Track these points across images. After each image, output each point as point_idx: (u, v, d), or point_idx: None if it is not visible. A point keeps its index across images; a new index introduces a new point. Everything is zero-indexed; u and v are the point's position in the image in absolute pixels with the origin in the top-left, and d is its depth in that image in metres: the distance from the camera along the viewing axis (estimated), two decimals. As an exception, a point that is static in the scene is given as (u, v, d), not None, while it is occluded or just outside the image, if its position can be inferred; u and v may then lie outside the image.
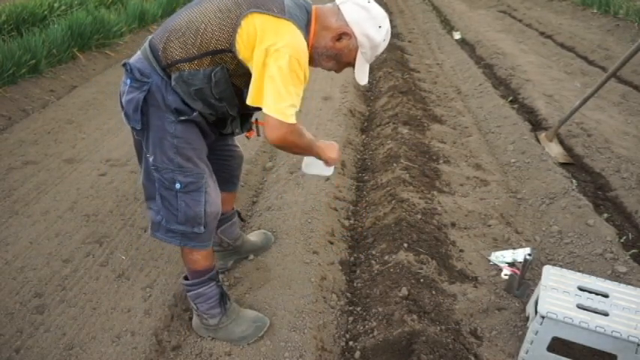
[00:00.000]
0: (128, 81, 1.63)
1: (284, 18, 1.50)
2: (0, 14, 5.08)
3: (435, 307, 2.05)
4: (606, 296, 1.83)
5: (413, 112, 4.08)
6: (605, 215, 2.83)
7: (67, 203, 2.82)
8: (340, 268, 2.40)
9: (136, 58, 1.66)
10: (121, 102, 1.68)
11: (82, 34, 5.30)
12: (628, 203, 2.94)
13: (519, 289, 2.17)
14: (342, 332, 2.05)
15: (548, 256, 2.49)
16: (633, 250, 2.53)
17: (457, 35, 7.26)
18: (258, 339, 1.92)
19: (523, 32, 7.29)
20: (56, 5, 5.86)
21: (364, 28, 1.60)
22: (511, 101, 4.57)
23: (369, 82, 5.37)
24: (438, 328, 1.94)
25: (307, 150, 1.74)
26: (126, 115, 1.65)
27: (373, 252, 2.46)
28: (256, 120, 1.89)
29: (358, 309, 2.16)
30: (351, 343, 2.00)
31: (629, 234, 2.71)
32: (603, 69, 5.40)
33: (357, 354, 1.91)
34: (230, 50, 1.54)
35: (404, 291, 2.08)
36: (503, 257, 2.44)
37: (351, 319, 2.12)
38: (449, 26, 8.08)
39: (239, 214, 2.32)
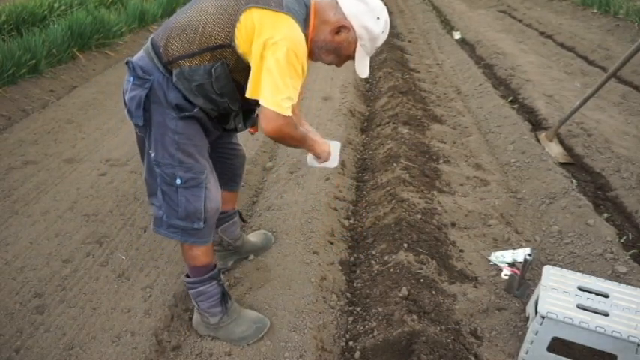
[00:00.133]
0: (131, 78, 1.67)
1: (282, 12, 1.52)
2: (0, 14, 5.08)
3: (435, 307, 2.05)
4: (606, 296, 1.83)
5: (413, 112, 4.08)
6: (605, 215, 2.83)
7: (67, 203, 2.82)
8: (340, 268, 2.40)
9: (138, 56, 1.70)
10: (124, 99, 1.71)
11: (82, 34, 5.30)
12: (628, 203, 2.94)
13: (519, 289, 2.17)
14: (342, 332, 2.05)
15: (548, 256, 2.49)
16: (633, 250, 2.53)
17: (457, 35, 7.26)
18: (257, 339, 1.92)
19: (523, 32, 7.29)
20: (56, 5, 5.85)
21: (362, 21, 1.61)
22: (511, 101, 4.57)
23: (369, 82, 5.37)
24: (438, 328, 1.94)
25: (301, 143, 1.76)
26: (129, 111, 1.69)
27: (373, 252, 2.46)
28: (258, 115, 1.90)
29: (358, 309, 2.16)
30: (351, 343, 2.00)
31: (629, 234, 2.71)
32: (603, 69, 5.40)
33: (357, 354, 1.91)
34: (229, 45, 1.56)
35: (404, 291, 2.08)
36: (503, 257, 2.44)
37: (351, 319, 2.12)
38: (449, 26, 8.08)
39: (240, 215, 2.32)
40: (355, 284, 2.33)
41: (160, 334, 1.95)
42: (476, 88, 4.95)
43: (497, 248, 2.53)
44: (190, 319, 2.07)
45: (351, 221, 2.84)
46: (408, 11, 9.41)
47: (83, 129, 3.83)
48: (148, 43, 1.69)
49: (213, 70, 1.60)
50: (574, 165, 3.46)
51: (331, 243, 2.52)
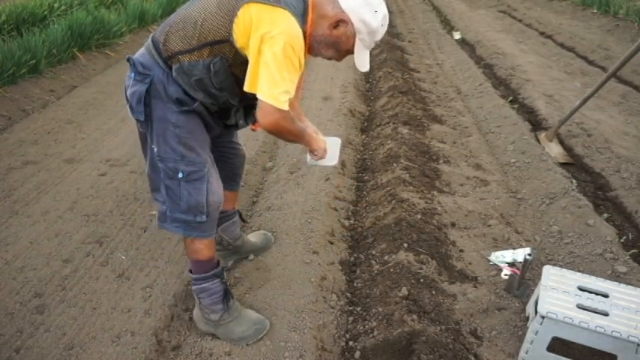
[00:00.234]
0: (132, 74, 1.70)
1: (279, 6, 1.53)
2: (0, 14, 5.08)
3: (435, 307, 2.05)
4: (606, 296, 1.83)
5: (413, 112, 4.08)
6: (605, 215, 2.83)
7: (67, 203, 2.82)
8: (340, 268, 2.40)
9: (139, 53, 1.73)
10: (126, 95, 1.75)
11: (82, 34, 5.30)
12: (628, 203, 2.94)
13: (519, 289, 2.17)
14: (342, 332, 2.05)
15: (548, 256, 2.49)
16: (633, 250, 2.53)
17: (457, 35, 7.26)
18: (256, 340, 1.92)
19: (523, 32, 7.29)
20: (56, 5, 5.85)
21: (360, 14, 1.62)
22: (511, 101, 4.57)
23: (369, 82, 5.37)
24: (438, 328, 1.94)
25: (298, 137, 1.77)
26: (130, 107, 1.72)
27: (373, 252, 2.46)
28: None
29: (358, 309, 2.16)
30: (351, 343, 2.00)
31: (629, 234, 2.71)
32: (603, 69, 5.40)
33: (357, 354, 1.91)
34: (228, 40, 1.58)
35: (404, 291, 2.08)
36: (503, 257, 2.44)
37: (351, 319, 2.12)
38: (449, 26, 8.08)
39: (240, 215, 2.33)
40: (355, 284, 2.33)
41: (160, 334, 1.95)
42: (476, 88, 4.95)
43: (497, 248, 2.53)
44: (190, 319, 2.06)
45: (351, 221, 2.84)
46: (408, 11, 9.41)
47: (83, 129, 3.83)
48: (149, 39, 1.72)
49: (212, 65, 1.62)
50: (574, 165, 3.46)
51: (331, 243, 2.52)
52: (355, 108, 4.42)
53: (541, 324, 1.75)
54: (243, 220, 2.43)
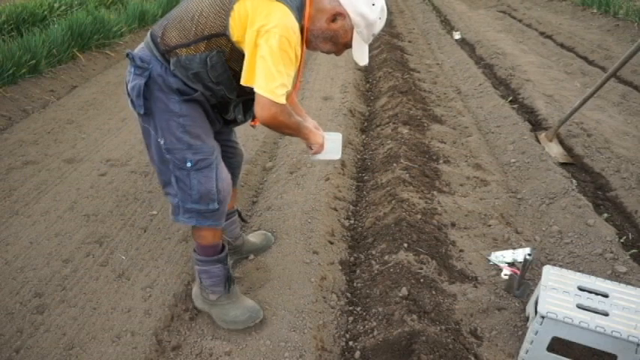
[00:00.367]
0: (132, 69, 1.72)
1: (275, 0, 1.54)
2: (0, 14, 5.09)
3: (435, 307, 2.05)
4: (606, 296, 1.83)
5: (413, 112, 4.09)
6: (605, 215, 2.83)
7: (67, 203, 2.82)
8: (340, 268, 2.40)
9: (138, 48, 1.76)
10: (127, 90, 1.77)
11: (82, 34, 5.31)
12: (628, 203, 2.94)
13: (519, 289, 2.17)
14: (342, 332, 2.05)
15: (548, 256, 2.49)
16: (633, 250, 2.53)
17: (457, 35, 7.26)
18: (257, 339, 1.92)
19: (523, 32, 7.29)
20: (56, 5, 5.86)
21: (358, 7, 1.62)
22: (511, 101, 4.57)
23: (369, 82, 5.37)
24: (438, 328, 1.94)
25: (296, 131, 1.78)
26: (131, 101, 1.74)
27: (373, 252, 2.46)
28: None
29: (358, 309, 2.16)
30: (351, 343, 2.00)
31: (629, 234, 2.71)
32: (603, 69, 5.41)
33: (357, 354, 1.90)
34: (224, 34, 1.60)
35: (404, 291, 2.08)
36: (503, 257, 2.44)
37: (351, 319, 2.12)
38: (449, 26, 8.08)
39: (240, 215, 2.34)
40: (355, 284, 2.33)
41: (160, 334, 1.95)
42: (476, 88, 4.95)
43: (497, 248, 2.53)
44: (191, 319, 2.07)
45: (351, 221, 2.84)
46: (408, 11, 9.41)
47: (83, 129, 3.83)
48: (148, 34, 1.75)
49: (208, 59, 1.64)
50: (574, 165, 3.46)
51: (331, 243, 2.52)
52: (355, 108, 4.42)
53: (541, 324, 1.75)
54: (242, 220, 2.43)
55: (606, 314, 1.74)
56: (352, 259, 2.52)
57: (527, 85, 4.83)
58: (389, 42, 6.39)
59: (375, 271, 2.31)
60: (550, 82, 4.98)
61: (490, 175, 3.27)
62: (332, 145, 1.96)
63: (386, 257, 2.35)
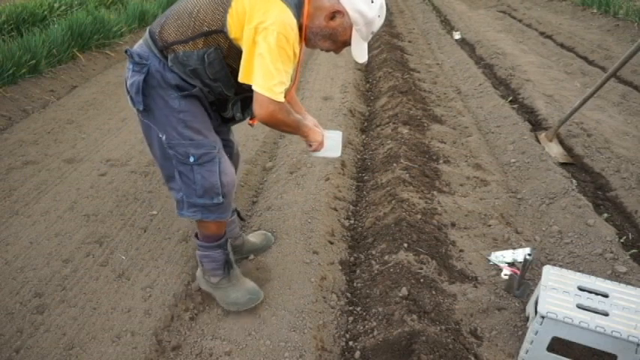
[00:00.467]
0: (130, 66, 1.73)
1: None
2: (0, 14, 5.08)
3: (435, 307, 2.05)
4: (606, 296, 1.83)
5: (413, 112, 4.09)
6: (605, 215, 2.83)
7: (67, 203, 2.82)
8: (340, 268, 2.40)
9: (136, 45, 1.77)
10: (126, 87, 1.77)
11: (82, 34, 5.30)
12: (628, 203, 2.94)
13: (519, 289, 2.17)
14: (342, 332, 2.05)
15: (548, 256, 2.49)
16: (633, 250, 2.53)
17: (457, 35, 7.26)
18: (257, 339, 1.92)
19: (523, 32, 7.29)
20: (56, 5, 5.86)
21: (356, 5, 1.62)
22: (511, 101, 4.57)
23: (369, 82, 5.37)
24: (438, 328, 1.94)
25: (295, 129, 1.79)
26: (131, 98, 1.75)
27: (373, 252, 2.46)
28: None
29: (358, 309, 2.16)
30: (351, 343, 2.00)
31: (629, 234, 2.71)
32: (603, 69, 5.41)
33: (357, 354, 1.90)
34: (222, 30, 1.60)
35: (404, 291, 2.08)
36: (503, 257, 2.44)
37: (351, 319, 2.12)
38: (449, 26, 8.08)
39: (238, 214, 2.34)
40: (355, 284, 2.33)
41: (160, 334, 1.95)
42: (476, 88, 4.95)
43: (497, 248, 2.53)
44: (191, 319, 2.07)
45: (351, 221, 2.84)
46: (408, 11, 9.41)
47: (83, 129, 3.83)
48: (146, 31, 1.75)
49: (206, 56, 1.65)
50: (574, 165, 3.46)
51: (331, 243, 2.52)
52: (355, 108, 4.42)
53: (541, 324, 1.75)
54: (241, 219, 2.44)
55: (606, 314, 1.74)
56: (352, 259, 2.52)
57: (527, 85, 4.83)
58: (389, 42, 6.39)
59: (375, 271, 2.31)
60: (550, 82, 4.98)
61: (490, 175, 3.27)
62: (332, 143, 1.96)
63: (386, 257, 2.35)
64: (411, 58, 5.97)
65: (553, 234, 2.63)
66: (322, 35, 1.69)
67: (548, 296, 1.81)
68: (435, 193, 2.97)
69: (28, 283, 2.19)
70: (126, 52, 1.74)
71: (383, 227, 2.59)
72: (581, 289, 1.87)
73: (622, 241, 2.60)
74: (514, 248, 2.51)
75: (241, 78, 1.61)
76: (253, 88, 1.57)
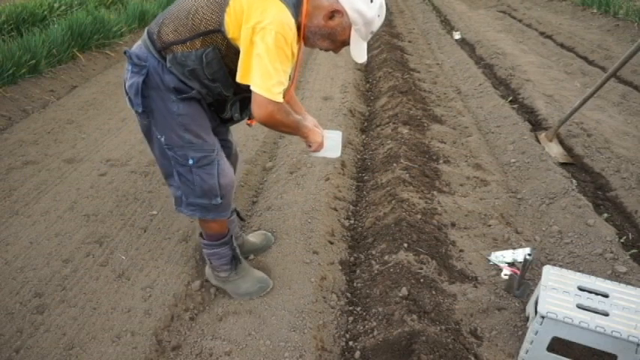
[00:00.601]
0: (129, 67, 1.73)
1: None
2: (0, 14, 5.08)
3: (435, 307, 2.05)
4: (606, 296, 1.83)
5: (413, 112, 4.09)
6: (605, 215, 2.83)
7: (67, 203, 2.82)
8: (340, 268, 2.40)
9: (135, 46, 1.76)
10: (125, 88, 1.77)
11: (82, 34, 5.30)
12: (628, 203, 2.94)
13: (519, 289, 2.17)
14: (342, 332, 2.05)
15: (548, 256, 2.49)
16: (633, 250, 2.53)
17: (457, 35, 7.26)
18: (257, 339, 1.92)
19: (523, 32, 7.29)
20: (56, 5, 5.86)
21: (355, 4, 1.61)
22: (511, 101, 4.57)
23: (369, 82, 5.37)
24: (438, 328, 1.94)
25: (294, 130, 1.78)
26: (129, 99, 1.75)
27: (373, 252, 2.46)
28: None
29: (358, 309, 2.16)
30: (351, 343, 2.00)
31: (629, 234, 2.71)
32: (603, 69, 5.40)
33: (357, 354, 1.90)
34: (219, 30, 1.60)
35: (404, 291, 2.08)
36: (503, 257, 2.44)
37: (351, 319, 2.12)
38: (449, 26, 8.08)
39: (238, 214, 2.34)
40: (355, 284, 2.33)
41: (160, 334, 1.95)
42: (476, 88, 4.95)
43: (497, 248, 2.53)
44: (191, 319, 2.07)
45: (351, 221, 2.84)
46: (408, 11, 9.41)
47: (83, 129, 3.83)
48: (144, 32, 1.75)
49: (204, 56, 1.64)
50: (574, 165, 3.46)
51: (331, 243, 2.52)
52: (355, 108, 4.42)
53: (541, 324, 1.75)
54: (241, 219, 2.44)
55: (606, 314, 1.74)
56: (352, 259, 2.52)
57: (527, 85, 4.83)
58: (389, 42, 6.39)
59: (375, 271, 2.31)
60: (550, 82, 4.98)
61: (490, 175, 3.27)
62: (331, 143, 1.96)
63: (386, 257, 2.35)
64: (411, 58, 5.97)
65: (553, 234, 2.63)
66: (321, 35, 1.68)
67: (548, 296, 1.81)
68: (435, 193, 2.97)
69: (28, 283, 2.19)
70: (125, 53, 1.74)
71: (383, 227, 2.59)
72: (581, 289, 1.87)
73: (622, 241, 2.60)
74: (514, 248, 2.51)
75: (239, 78, 1.60)
76: (251, 88, 1.56)
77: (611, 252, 2.38)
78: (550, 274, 1.95)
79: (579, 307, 1.77)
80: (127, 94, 1.75)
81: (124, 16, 6.32)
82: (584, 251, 2.44)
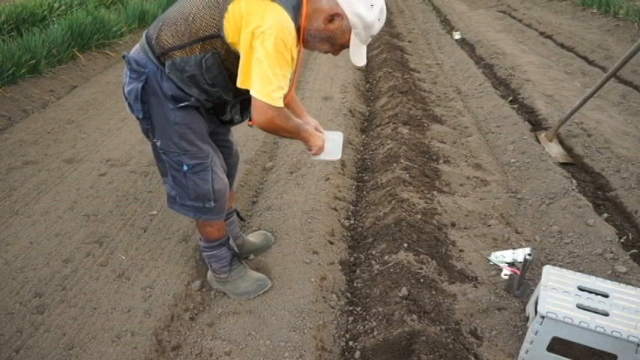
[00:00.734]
0: (128, 72, 1.72)
1: (269, 0, 1.52)
2: (0, 14, 5.08)
3: (435, 307, 2.05)
4: (606, 296, 1.83)
5: (413, 112, 4.08)
6: (605, 215, 2.83)
7: (67, 203, 2.82)
8: (340, 268, 2.40)
9: (134, 50, 1.75)
10: (124, 93, 1.77)
11: (82, 34, 5.31)
12: (628, 203, 2.94)
13: (519, 289, 2.17)
14: (342, 332, 2.05)
15: (548, 256, 2.49)
16: (633, 250, 2.53)
17: (457, 35, 7.26)
18: (257, 339, 1.92)
19: (523, 32, 7.29)
20: (56, 5, 5.86)
21: (355, 8, 1.59)
22: (511, 101, 4.57)
23: (369, 82, 5.37)
24: (438, 328, 1.94)
25: (295, 135, 1.77)
26: (129, 104, 1.75)
27: (373, 252, 2.46)
28: None
29: (358, 309, 2.16)
30: (351, 343, 2.00)
31: (629, 234, 2.71)
32: (603, 69, 5.41)
33: (357, 354, 1.90)
34: (218, 35, 1.58)
35: (404, 291, 2.08)
36: (503, 257, 2.44)
37: (351, 319, 2.12)
38: (449, 26, 8.08)
39: (238, 214, 2.34)
40: (355, 284, 2.33)
41: (160, 334, 1.95)
42: (476, 88, 4.95)
43: (497, 248, 2.53)
44: (191, 319, 2.07)
45: (351, 221, 2.84)
46: (408, 11, 9.41)
47: (83, 129, 3.83)
48: (143, 37, 1.73)
49: (203, 61, 1.63)
50: (574, 165, 3.46)
51: (331, 243, 2.52)
52: (355, 108, 4.42)
53: (541, 324, 1.75)
54: (241, 219, 2.44)
55: (606, 314, 1.74)
56: (352, 259, 2.52)
57: (527, 85, 4.83)
58: (389, 42, 6.39)
59: (375, 271, 2.31)
60: (550, 82, 4.98)
61: (490, 175, 3.27)
62: (332, 145, 1.95)
63: (386, 257, 2.35)
64: (411, 58, 5.97)
65: (553, 234, 2.63)
66: (320, 38, 1.66)
67: (548, 296, 1.81)
68: (435, 193, 2.97)
69: (28, 283, 2.19)
70: (123, 57, 1.73)
71: (383, 227, 2.59)
72: (581, 289, 1.87)
73: (622, 241, 2.60)
74: (514, 248, 2.51)
75: (239, 83, 1.59)
76: (251, 94, 1.55)
77: (611, 252, 2.38)
78: (550, 274, 1.95)
79: (579, 307, 1.77)
80: (127, 99, 1.75)
81: (124, 16, 6.32)
82: (584, 251, 2.44)
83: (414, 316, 1.95)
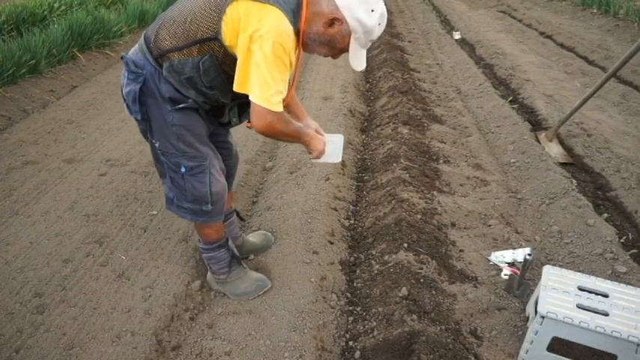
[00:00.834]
0: (126, 73, 1.72)
1: (268, 3, 1.51)
2: (0, 14, 5.08)
3: (435, 307, 2.05)
4: (606, 296, 1.83)
5: (413, 112, 4.08)
6: (605, 215, 2.83)
7: (67, 203, 2.82)
8: (340, 268, 2.40)
9: (132, 51, 1.75)
10: (122, 94, 1.77)
11: (82, 34, 5.30)
12: (628, 203, 2.94)
13: (519, 289, 2.17)
14: (342, 332, 2.05)
15: (548, 256, 2.49)
16: (633, 250, 2.53)
17: (457, 35, 7.26)
18: (257, 339, 1.92)
19: (523, 32, 7.29)
20: (56, 5, 5.86)
21: (355, 13, 1.58)
22: (511, 101, 4.57)
23: (369, 82, 5.37)
24: (438, 328, 1.94)
25: (295, 138, 1.77)
26: (127, 106, 1.75)
27: (373, 252, 2.46)
28: None
29: (358, 309, 2.16)
30: (351, 343, 2.00)
31: (629, 234, 2.71)
32: (603, 69, 5.41)
33: (357, 354, 1.90)
34: (216, 38, 1.58)
35: (404, 291, 2.08)
36: (503, 257, 2.44)
37: (351, 319, 2.12)
38: (449, 26, 8.08)
39: (238, 214, 2.35)
40: (355, 284, 2.33)
41: (160, 334, 1.95)
42: (476, 88, 4.95)
43: (497, 248, 2.53)
44: (191, 319, 2.07)
45: (351, 221, 2.84)
46: (408, 11, 9.41)
47: (83, 129, 3.83)
48: (141, 38, 1.73)
49: (201, 63, 1.62)
50: (574, 165, 3.46)
51: (331, 243, 2.52)
52: (355, 108, 4.42)
53: (541, 324, 1.75)
54: (241, 219, 2.44)
55: (606, 314, 1.74)
56: (352, 259, 2.52)
57: (527, 85, 4.83)
58: (389, 42, 6.39)
59: (375, 271, 2.31)
60: (550, 82, 4.98)
61: (490, 175, 3.27)
62: (333, 148, 1.94)
63: (386, 257, 2.35)
64: (411, 58, 5.97)
65: (553, 234, 2.63)
66: (320, 42, 1.65)
67: (548, 296, 1.81)
68: (435, 193, 2.97)
69: (28, 283, 2.19)
70: (122, 58, 1.73)
71: (383, 227, 2.59)
72: (581, 289, 1.87)
73: (622, 241, 2.60)
74: (514, 248, 2.51)
75: (237, 87, 1.57)
76: (250, 98, 1.54)
77: (611, 252, 2.38)
78: (550, 274, 1.95)
79: (579, 307, 1.77)
80: (125, 100, 1.74)
81: (123, 16, 6.32)
82: (584, 251, 2.44)
83: (414, 316, 1.95)
